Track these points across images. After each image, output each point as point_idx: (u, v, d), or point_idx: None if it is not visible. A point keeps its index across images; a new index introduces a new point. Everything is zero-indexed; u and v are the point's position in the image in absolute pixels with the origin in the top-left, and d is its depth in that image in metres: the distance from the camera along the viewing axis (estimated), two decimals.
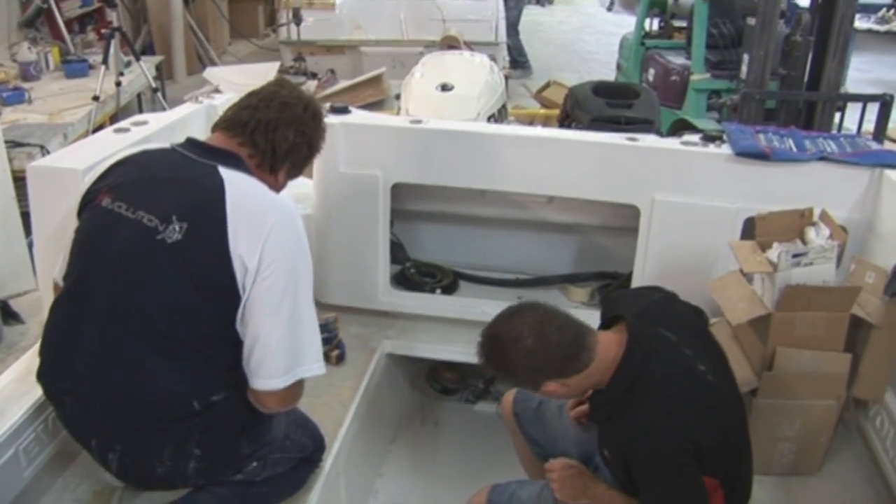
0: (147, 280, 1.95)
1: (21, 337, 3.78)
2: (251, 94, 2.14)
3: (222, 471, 2.15)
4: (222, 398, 2.03)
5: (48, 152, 4.98)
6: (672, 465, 1.97)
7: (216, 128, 2.14)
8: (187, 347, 1.97)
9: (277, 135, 2.09)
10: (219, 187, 1.96)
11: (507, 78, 5.48)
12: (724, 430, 2.05)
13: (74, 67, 6.77)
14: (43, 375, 2.11)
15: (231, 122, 2.10)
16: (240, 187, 1.99)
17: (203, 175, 2.00)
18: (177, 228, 1.93)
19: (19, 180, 3.85)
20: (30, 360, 2.56)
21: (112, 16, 6.61)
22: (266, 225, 1.94)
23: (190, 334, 1.97)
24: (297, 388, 2.05)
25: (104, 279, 1.98)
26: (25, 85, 6.30)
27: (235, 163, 2.05)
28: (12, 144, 4.88)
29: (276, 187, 2.14)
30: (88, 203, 2.08)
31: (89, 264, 2.02)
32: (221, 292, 1.93)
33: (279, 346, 1.97)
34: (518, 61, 10.37)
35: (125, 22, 8.20)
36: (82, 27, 8.22)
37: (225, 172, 2.00)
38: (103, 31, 7.58)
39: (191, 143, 2.11)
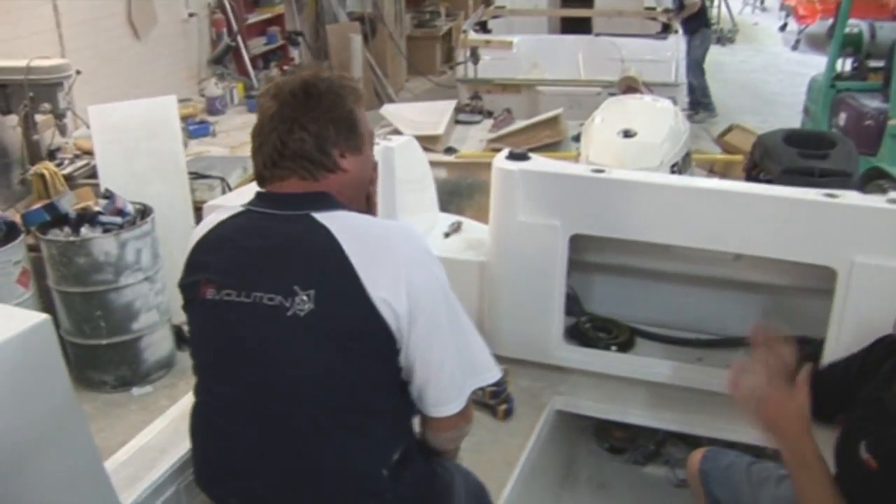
0: (293, 362, 1.81)
1: None
2: (256, 128, 1.93)
3: None
4: (400, 454, 1.89)
5: (228, 185, 5.15)
6: None
7: (269, 179, 1.92)
8: (361, 414, 1.84)
9: (294, 144, 1.85)
10: (328, 237, 1.79)
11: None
12: None
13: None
14: (201, 481, 2.00)
15: (271, 164, 1.89)
16: (349, 229, 1.81)
17: (303, 230, 1.82)
18: (305, 298, 1.76)
19: (200, 210, 3.96)
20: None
21: (295, 53, 6.83)
22: (398, 261, 1.78)
23: (360, 399, 1.84)
24: (470, 403, 1.94)
25: (242, 376, 1.85)
26: (211, 119, 6.58)
27: (326, 202, 1.86)
28: (195, 176, 5.08)
29: (351, 175, 1.92)
30: (192, 300, 1.92)
31: (218, 367, 1.91)
32: (377, 345, 1.79)
33: (455, 369, 1.85)
34: (702, 102, 10.11)
35: (307, 58, 8.47)
36: (266, 63, 8.55)
37: (322, 217, 1.82)
38: (286, 67, 7.88)
39: (263, 197, 1.92)
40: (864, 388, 2.10)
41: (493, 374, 1.95)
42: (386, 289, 1.75)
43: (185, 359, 3.81)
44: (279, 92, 1.90)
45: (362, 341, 1.78)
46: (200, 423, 1.97)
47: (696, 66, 9.95)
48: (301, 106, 1.87)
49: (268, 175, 1.91)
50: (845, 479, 2.05)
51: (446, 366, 1.84)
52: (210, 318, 1.88)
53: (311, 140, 1.86)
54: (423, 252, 1.87)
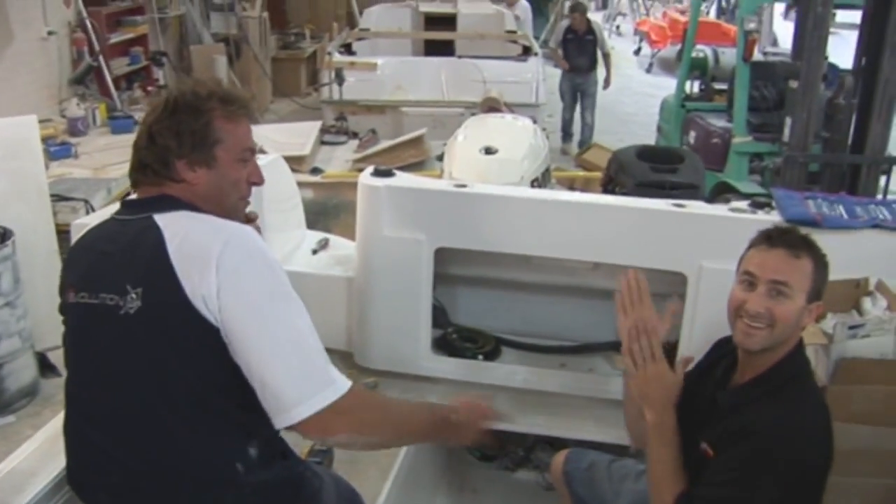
0: (131, 360, 1.84)
1: (57, 390, 3.75)
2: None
3: None
4: (259, 452, 1.90)
5: (92, 207, 5.04)
6: (795, 474, 2.01)
7: (132, 185, 2.03)
8: (203, 410, 1.85)
9: (141, 153, 1.95)
10: (156, 236, 1.85)
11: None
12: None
13: (120, 123, 6.91)
14: (71, 479, 2.04)
15: (136, 170, 1.98)
16: (177, 227, 1.86)
17: (140, 231, 1.89)
18: (133, 296, 1.83)
19: (63, 233, 3.87)
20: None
21: (158, 74, 6.73)
22: (212, 253, 1.80)
23: (198, 395, 1.84)
24: (329, 415, 1.83)
25: (92, 376, 1.92)
26: (72, 140, 6.43)
27: (169, 204, 1.91)
28: (57, 198, 4.95)
29: (201, 187, 1.95)
30: (61, 303, 2.02)
31: (75, 368, 1.99)
32: (201, 340, 1.80)
33: (284, 378, 1.80)
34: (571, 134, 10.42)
35: (171, 80, 8.35)
36: (129, 84, 8.39)
37: (160, 218, 1.88)
38: (149, 88, 7.76)
39: (123, 204, 2.03)
40: (701, 389, 2.27)
41: (334, 389, 1.84)
42: (198, 280, 1.79)
43: (49, 386, 3.72)
44: (157, 103, 1.99)
45: (186, 336, 1.81)
46: (66, 423, 2.02)
47: (594, 103, 10.23)
48: (157, 117, 1.94)
49: (131, 181, 2.02)
50: (685, 463, 2.22)
51: (277, 373, 1.81)
52: (71, 320, 2.00)
53: (155, 150, 1.93)
54: (247, 254, 1.85)
